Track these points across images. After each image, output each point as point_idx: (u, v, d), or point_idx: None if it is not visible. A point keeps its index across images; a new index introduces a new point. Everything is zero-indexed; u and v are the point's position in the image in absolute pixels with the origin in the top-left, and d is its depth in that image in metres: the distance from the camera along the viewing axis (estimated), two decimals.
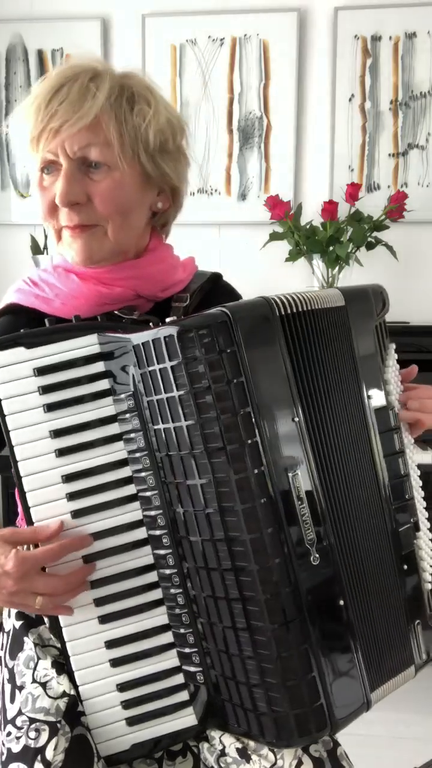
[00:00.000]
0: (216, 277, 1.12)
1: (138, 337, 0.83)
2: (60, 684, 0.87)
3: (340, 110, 2.33)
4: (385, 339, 0.93)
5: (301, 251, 2.14)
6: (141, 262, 1.01)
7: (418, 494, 0.94)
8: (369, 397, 0.89)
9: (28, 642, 0.94)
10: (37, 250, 2.28)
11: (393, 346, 0.94)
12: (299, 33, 2.31)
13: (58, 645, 0.94)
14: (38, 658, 0.91)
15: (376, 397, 0.90)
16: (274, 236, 2.15)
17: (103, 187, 0.95)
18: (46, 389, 0.86)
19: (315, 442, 0.81)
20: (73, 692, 0.86)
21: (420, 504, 0.94)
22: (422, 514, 0.94)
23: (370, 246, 2.15)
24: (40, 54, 2.44)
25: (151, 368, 0.81)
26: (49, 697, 0.86)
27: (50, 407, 0.86)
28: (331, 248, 2.10)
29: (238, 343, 0.76)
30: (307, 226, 2.15)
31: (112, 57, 2.42)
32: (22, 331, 0.89)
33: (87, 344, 0.88)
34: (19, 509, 1.03)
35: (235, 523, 0.77)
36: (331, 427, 0.84)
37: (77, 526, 0.85)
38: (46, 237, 2.25)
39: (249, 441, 0.76)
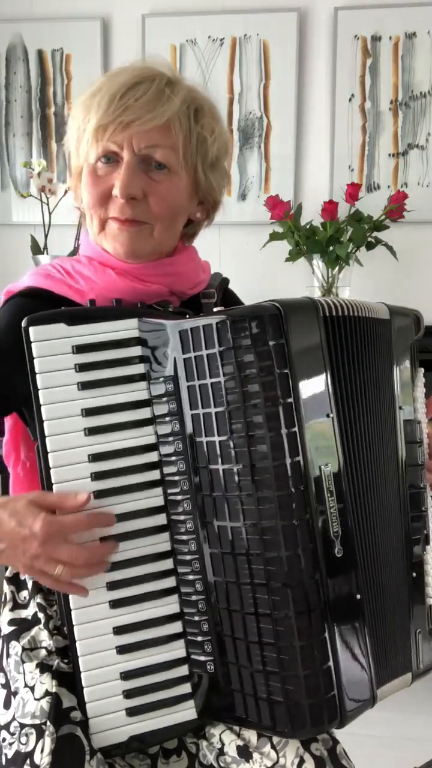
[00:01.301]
0: (226, 282, 1.14)
1: (182, 323, 0.85)
2: (42, 683, 0.87)
3: (340, 110, 2.33)
4: (416, 361, 0.98)
5: (301, 251, 2.14)
6: (175, 260, 1.03)
7: (431, 511, 0.98)
8: (400, 407, 0.93)
9: (16, 646, 0.94)
10: (37, 250, 2.28)
11: (422, 370, 0.99)
12: (299, 33, 2.31)
13: (48, 645, 0.94)
14: (23, 662, 0.91)
15: (407, 410, 0.94)
16: (274, 236, 2.15)
17: (162, 188, 0.97)
18: (82, 367, 0.87)
19: (345, 439, 0.83)
20: (55, 690, 0.85)
21: (431, 518, 0.98)
22: None
23: (370, 246, 2.15)
24: (40, 54, 2.44)
25: (197, 353, 0.83)
26: (35, 699, 0.86)
27: (84, 385, 0.86)
28: (331, 248, 2.10)
29: (286, 336, 0.78)
30: (307, 226, 2.15)
31: (112, 57, 2.43)
32: (63, 308, 0.90)
33: (127, 327, 0.89)
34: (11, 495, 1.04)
35: (269, 510, 0.79)
36: (361, 427, 0.87)
37: (99, 507, 0.85)
38: (46, 237, 2.25)
39: (288, 431, 0.78)
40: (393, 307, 0.95)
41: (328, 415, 0.81)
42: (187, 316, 0.89)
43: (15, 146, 2.50)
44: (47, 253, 2.27)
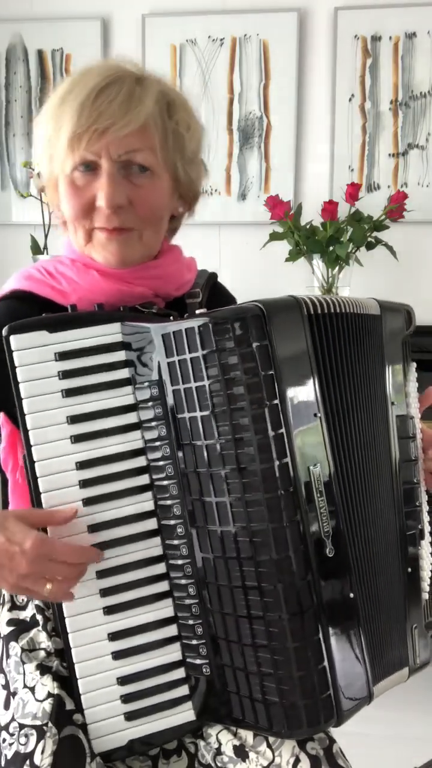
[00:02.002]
0: (214, 277, 1.13)
1: (165, 327, 0.84)
2: (44, 685, 0.87)
3: (340, 110, 2.33)
4: (408, 357, 0.97)
5: (301, 251, 2.14)
6: (160, 263, 1.02)
7: (425, 506, 0.97)
8: (393, 403, 0.93)
9: (15, 647, 0.94)
10: (37, 250, 2.28)
11: (414, 364, 0.98)
12: (299, 33, 2.31)
13: (47, 646, 0.94)
14: (23, 663, 0.91)
15: (399, 405, 0.93)
16: (274, 236, 2.15)
17: (145, 192, 0.95)
18: (66, 374, 0.86)
19: (335, 438, 0.83)
20: (57, 691, 0.85)
21: (426, 515, 0.97)
22: (426, 526, 0.97)
23: (370, 246, 2.15)
24: (40, 54, 2.44)
25: (180, 357, 0.82)
26: (36, 700, 0.86)
27: (69, 392, 0.86)
28: (331, 248, 2.10)
29: (270, 337, 0.78)
30: (307, 226, 2.15)
31: (112, 57, 2.42)
32: (44, 315, 0.89)
33: (110, 332, 0.88)
34: (12, 504, 1.04)
35: (257, 512, 0.79)
36: (352, 424, 0.86)
37: (89, 514, 0.84)
38: (46, 237, 2.26)
39: (275, 432, 0.78)
40: (383, 302, 0.94)
41: (315, 415, 0.81)
42: (171, 318, 0.88)
43: (15, 146, 2.50)
44: (47, 253, 2.27)
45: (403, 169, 2.34)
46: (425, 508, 0.97)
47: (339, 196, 2.19)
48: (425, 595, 0.95)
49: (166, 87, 0.98)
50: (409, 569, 0.92)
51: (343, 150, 2.35)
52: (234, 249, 2.41)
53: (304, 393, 0.80)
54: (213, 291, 1.11)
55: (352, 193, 2.13)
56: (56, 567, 0.79)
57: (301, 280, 2.24)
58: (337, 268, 2.13)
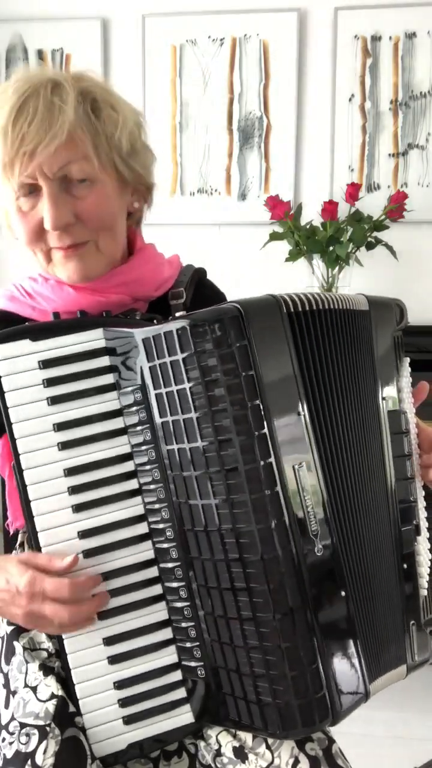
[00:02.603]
0: (201, 273, 1.11)
1: (146, 331, 0.84)
2: (48, 686, 0.87)
3: (340, 110, 2.33)
4: (401, 352, 0.96)
5: (301, 251, 2.14)
6: (131, 266, 1.00)
7: (420, 501, 0.97)
8: (384, 398, 0.92)
9: (18, 647, 0.94)
10: None
11: (407, 359, 0.97)
12: (299, 33, 2.31)
13: (49, 647, 0.94)
14: (27, 662, 0.91)
15: (390, 401, 0.93)
16: (274, 236, 2.15)
17: (89, 203, 0.93)
18: (50, 382, 0.86)
19: (320, 436, 0.82)
20: (61, 693, 0.85)
21: (422, 512, 0.96)
22: (423, 521, 0.96)
23: (370, 246, 2.15)
24: (40, 54, 2.44)
25: (161, 361, 0.82)
26: (38, 700, 0.86)
27: (54, 400, 0.86)
28: (331, 248, 2.10)
29: (249, 338, 0.77)
30: (307, 226, 2.15)
31: (112, 57, 2.43)
32: (26, 324, 0.88)
33: (93, 338, 0.88)
34: (9, 507, 1.04)
35: (243, 514, 0.78)
36: (339, 421, 0.85)
37: (78, 521, 0.85)
38: None
39: (258, 432, 0.78)
40: (372, 297, 0.93)
41: (298, 414, 0.80)
42: (155, 322, 0.88)
43: None
44: None
45: (403, 169, 2.34)
46: (421, 503, 0.96)
47: (339, 196, 2.19)
48: (423, 592, 0.94)
49: (86, 87, 0.94)
50: (405, 565, 0.92)
51: (343, 150, 2.35)
52: (234, 249, 2.41)
53: (287, 391, 0.80)
54: (199, 289, 1.08)
55: (352, 193, 2.13)
56: (49, 607, 0.81)
57: (301, 280, 2.24)
58: (337, 268, 2.13)
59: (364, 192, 2.31)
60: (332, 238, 2.09)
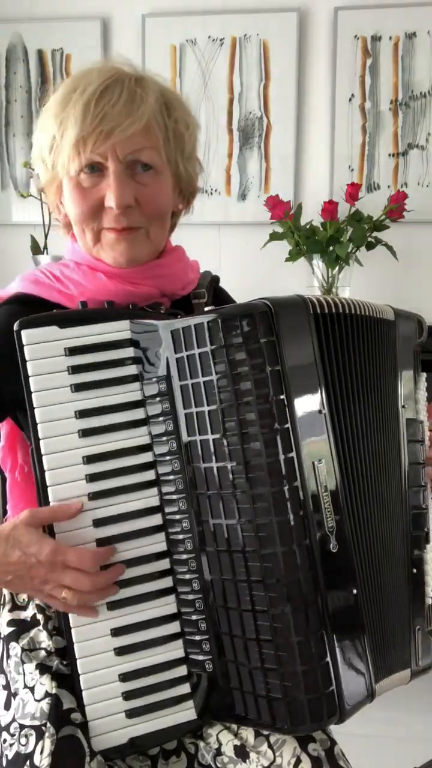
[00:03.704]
0: (217, 280, 1.14)
1: (174, 323, 0.85)
2: (42, 685, 0.87)
3: (340, 110, 2.33)
4: (419, 365, 0.99)
5: (301, 251, 2.14)
6: (165, 262, 1.03)
7: (431, 509, 0.98)
8: (403, 406, 0.94)
9: (16, 648, 0.94)
10: (37, 250, 2.28)
11: (424, 374, 1.00)
12: (299, 33, 2.31)
13: (47, 646, 0.94)
14: (23, 663, 0.91)
15: (410, 409, 0.95)
16: (274, 236, 2.15)
17: (151, 190, 0.96)
18: (75, 369, 0.87)
19: (340, 435, 0.84)
20: (55, 691, 0.85)
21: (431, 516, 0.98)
22: None
23: (370, 246, 2.15)
24: (40, 54, 2.44)
25: (189, 352, 0.83)
26: (35, 700, 0.86)
27: (78, 387, 0.87)
28: (331, 248, 2.10)
29: (277, 334, 0.79)
30: (307, 226, 2.15)
31: (112, 57, 2.42)
32: (55, 311, 0.89)
33: (119, 329, 0.89)
34: (9, 502, 1.04)
35: (263, 506, 0.79)
36: (359, 423, 0.87)
37: (95, 508, 0.85)
38: (46, 237, 2.25)
39: (281, 427, 0.79)
40: (398, 309, 0.96)
41: (320, 412, 0.81)
42: (179, 317, 0.89)
43: (15, 146, 2.50)
44: (47, 253, 2.27)
45: (403, 169, 2.34)
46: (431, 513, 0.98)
47: (339, 196, 2.19)
48: (429, 600, 0.95)
49: (163, 87, 1.00)
50: (414, 570, 0.93)
51: (343, 150, 2.35)
52: (234, 249, 2.41)
53: (310, 389, 0.81)
54: (214, 294, 1.12)
55: (352, 193, 2.13)
56: (71, 575, 0.80)
57: (301, 280, 2.25)
58: (337, 268, 2.13)
59: (364, 192, 2.31)
60: (332, 238, 2.09)
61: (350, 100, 2.33)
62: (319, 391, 0.82)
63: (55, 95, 0.96)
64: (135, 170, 0.95)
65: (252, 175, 2.40)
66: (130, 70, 0.97)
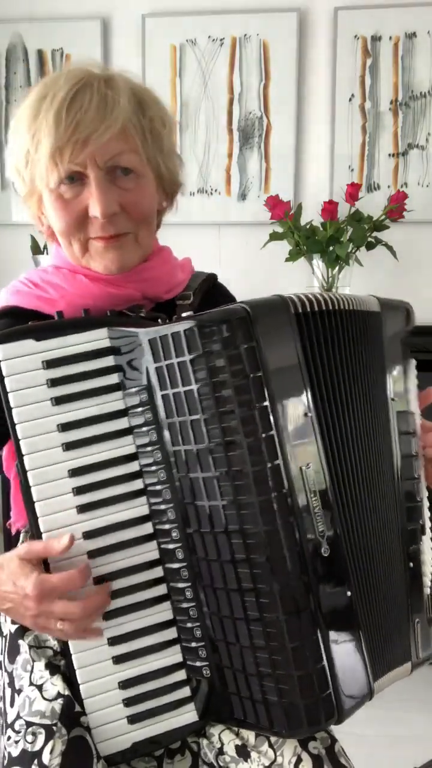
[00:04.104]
0: (212, 278, 1.12)
1: (151, 332, 0.84)
2: (54, 685, 0.87)
3: (340, 110, 2.33)
4: (408, 353, 0.96)
5: (301, 251, 2.14)
6: (149, 265, 1.01)
7: (425, 501, 0.97)
8: (393, 399, 0.92)
9: (23, 645, 0.94)
10: (37, 250, 2.28)
11: (414, 362, 0.98)
12: (299, 33, 2.31)
13: (54, 645, 0.94)
14: (33, 661, 0.91)
15: (400, 401, 0.93)
16: (274, 236, 2.15)
17: (135, 195, 0.94)
18: (54, 382, 0.86)
19: (327, 437, 0.82)
20: (67, 692, 0.86)
21: (426, 511, 0.97)
22: (427, 522, 0.97)
23: (370, 246, 2.15)
24: (40, 54, 2.44)
25: (168, 362, 0.81)
26: (45, 699, 0.86)
27: (58, 401, 0.86)
28: (331, 248, 2.10)
29: (257, 339, 0.77)
30: (307, 226, 2.15)
31: (112, 57, 2.43)
32: (30, 323, 0.88)
33: (97, 338, 0.87)
34: (13, 508, 1.04)
35: (250, 515, 0.78)
36: (348, 423, 0.85)
37: (82, 521, 0.85)
38: None
39: (265, 434, 0.77)
40: (383, 299, 0.94)
41: (306, 415, 0.80)
42: (159, 321, 0.88)
43: None
44: (47, 253, 2.27)
45: (403, 169, 2.34)
46: (426, 504, 0.97)
47: (339, 196, 2.19)
48: (427, 590, 0.95)
49: (134, 84, 0.97)
50: (411, 564, 0.92)
51: (343, 150, 2.35)
52: (234, 249, 2.41)
53: (295, 393, 0.80)
54: (211, 292, 1.10)
55: (352, 193, 2.13)
56: (60, 606, 0.80)
57: (301, 280, 2.25)
58: (337, 268, 2.13)
59: (364, 192, 2.31)
60: (332, 238, 2.09)
61: (350, 100, 2.33)
62: (305, 393, 0.80)
63: (23, 105, 0.93)
64: (116, 175, 0.93)
65: (252, 175, 2.40)
66: (98, 71, 0.94)
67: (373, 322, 0.91)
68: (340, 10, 2.29)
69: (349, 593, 0.82)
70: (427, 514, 0.97)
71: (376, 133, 2.34)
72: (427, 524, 0.96)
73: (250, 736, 0.88)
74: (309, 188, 2.39)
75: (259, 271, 2.33)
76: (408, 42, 2.29)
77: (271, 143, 2.38)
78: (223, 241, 2.43)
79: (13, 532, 1.06)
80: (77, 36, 2.41)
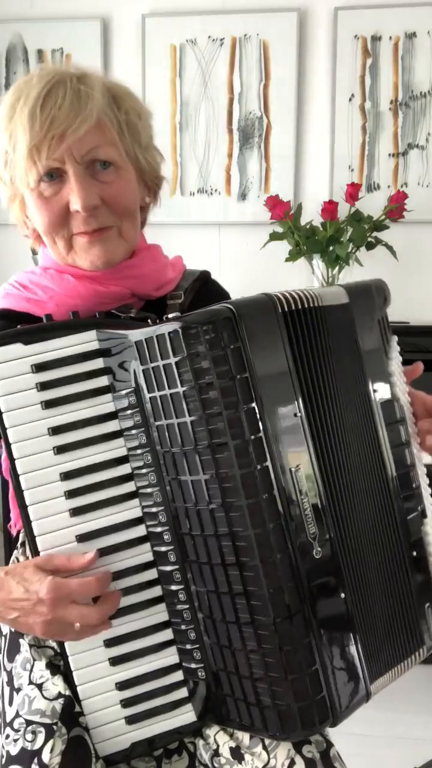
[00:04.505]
0: (205, 276, 1.12)
1: (139, 334, 0.83)
2: (55, 685, 0.87)
3: (340, 110, 2.33)
4: (388, 332, 0.94)
5: (301, 251, 2.14)
6: (136, 262, 1.01)
7: (424, 482, 0.95)
8: (375, 390, 0.90)
9: (24, 644, 0.94)
10: (36, 250, 2.28)
11: (395, 338, 0.95)
12: (299, 33, 2.31)
13: (54, 645, 0.94)
14: (34, 660, 0.91)
15: (382, 391, 0.91)
16: (274, 236, 2.15)
17: (115, 187, 0.94)
18: (44, 386, 0.85)
19: (317, 437, 0.81)
20: (68, 692, 0.86)
21: (426, 492, 0.95)
22: (428, 502, 0.95)
23: (370, 246, 2.15)
24: (40, 54, 2.44)
25: (154, 364, 0.81)
26: (45, 698, 0.86)
27: (48, 404, 0.85)
28: (331, 248, 2.10)
29: (242, 339, 0.76)
30: (307, 226, 2.15)
31: (112, 57, 2.43)
32: (18, 327, 0.88)
33: (86, 340, 0.87)
34: (12, 510, 1.03)
35: (239, 518, 0.78)
36: (334, 421, 0.84)
37: (76, 524, 0.85)
38: None
39: (253, 436, 0.77)
40: (351, 285, 0.91)
41: (295, 415, 0.79)
42: (149, 321, 0.87)
43: None
44: None
45: (403, 169, 2.34)
46: (426, 490, 0.95)
47: (339, 196, 2.19)
48: None
49: (107, 80, 0.97)
50: (414, 553, 0.91)
51: (343, 150, 2.35)
52: (234, 249, 2.41)
53: (283, 394, 0.79)
54: (203, 289, 1.09)
55: (352, 193, 2.13)
56: (77, 610, 0.80)
57: (301, 280, 2.25)
58: (337, 268, 2.13)
59: (364, 192, 2.31)
60: (332, 238, 2.09)
61: (350, 100, 2.33)
62: (293, 394, 0.79)
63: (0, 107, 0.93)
64: (95, 169, 0.93)
65: (252, 175, 2.40)
66: (73, 70, 0.94)
67: (343, 315, 0.89)
68: (340, 10, 2.29)
69: (343, 595, 0.81)
70: (427, 499, 0.95)
71: (376, 133, 2.34)
72: (429, 508, 0.94)
73: (244, 738, 0.88)
74: (309, 188, 2.39)
75: (259, 271, 2.33)
76: (408, 42, 2.29)
77: (271, 143, 2.38)
78: (223, 241, 2.43)
79: (14, 533, 1.06)
80: (77, 36, 2.41)
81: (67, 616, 0.80)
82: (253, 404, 0.76)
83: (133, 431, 0.86)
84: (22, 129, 0.89)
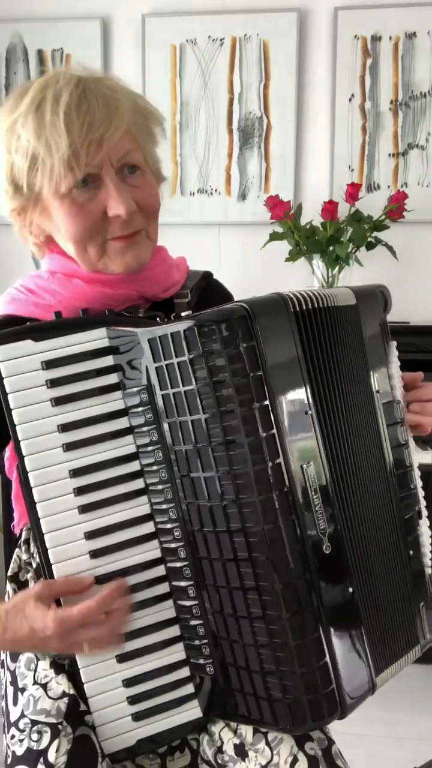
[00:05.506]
0: (208, 276, 1.12)
1: (149, 332, 0.84)
2: (59, 684, 0.87)
3: (340, 110, 2.34)
4: (388, 337, 0.96)
5: (301, 251, 2.14)
6: (148, 264, 1.01)
7: (419, 483, 0.97)
8: (378, 391, 0.92)
9: None
10: None
11: (394, 343, 0.97)
12: (299, 33, 2.31)
13: None
14: (38, 659, 0.92)
15: (384, 392, 0.93)
16: (274, 236, 2.15)
17: (145, 191, 0.95)
18: (53, 383, 0.86)
19: (327, 434, 0.83)
20: (72, 691, 0.86)
21: (420, 493, 0.97)
22: (423, 503, 0.97)
23: (370, 246, 2.15)
24: (40, 54, 2.44)
25: (168, 361, 0.82)
26: (50, 698, 0.86)
27: (58, 401, 0.86)
28: (331, 248, 2.10)
29: (257, 338, 0.77)
30: (307, 226, 2.15)
31: (112, 57, 2.43)
32: (28, 323, 0.88)
33: (96, 338, 0.87)
34: (15, 509, 1.04)
35: (252, 514, 0.79)
36: (342, 420, 0.86)
37: (84, 522, 0.85)
38: None
39: (267, 433, 0.78)
40: (357, 288, 0.93)
41: (306, 413, 0.80)
42: (158, 320, 0.88)
43: None
44: None
45: (403, 169, 2.34)
46: (420, 491, 0.97)
47: (339, 196, 2.19)
48: (428, 570, 0.96)
49: (123, 83, 0.96)
50: (411, 552, 0.93)
51: (343, 150, 2.35)
52: (234, 249, 2.41)
53: (295, 391, 0.80)
54: (207, 289, 1.10)
55: (352, 193, 2.13)
56: (85, 634, 0.81)
57: (301, 280, 2.25)
58: (337, 268, 2.13)
59: (364, 192, 2.31)
60: (332, 238, 2.09)
61: (350, 100, 2.33)
62: (305, 391, 0.81)
63: (16, 111, 0.89)
64: (124, 174, 0.93)
65: (252, 175, 2.40)
66: (85, 74, 0.93)
67: (352, 316, 0.91)
68: (340, 10, 2.29)
69: (350, 589, 0.82)
70: (421, 498, 0.97)
71: (376, 133, 2.34)
72: (424, 511, 0.97)
73: (248, 734, 0.89)
74: (309, 188, 2.39)
75: (259, 271, 2.33)
76: (408, 42, 2.29)
77: (271, 143, 2.38)
78: (223, 241, 2.43)
79: (17, 532, 1.06)
80: (77, 36, 2.41)
81: (78, 643, 0.81)
82: (267, 401, 0.77)
83: (144, 428, 0.86)
84: (58, 134, 0.86)
